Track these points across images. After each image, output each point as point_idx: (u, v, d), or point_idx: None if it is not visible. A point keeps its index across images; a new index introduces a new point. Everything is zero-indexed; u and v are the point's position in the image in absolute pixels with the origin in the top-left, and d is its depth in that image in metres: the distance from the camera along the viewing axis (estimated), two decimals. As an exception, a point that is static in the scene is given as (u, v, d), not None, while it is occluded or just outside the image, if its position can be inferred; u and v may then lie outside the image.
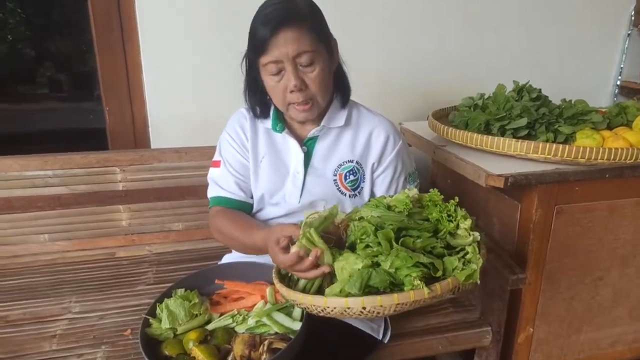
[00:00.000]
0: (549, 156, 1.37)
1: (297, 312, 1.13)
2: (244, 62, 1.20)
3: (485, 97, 1.70)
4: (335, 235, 1.04)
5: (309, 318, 1.07)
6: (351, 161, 1.27)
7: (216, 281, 1.27)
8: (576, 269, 1.52)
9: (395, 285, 0.92)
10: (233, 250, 1.40)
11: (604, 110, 1.62)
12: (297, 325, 1.09)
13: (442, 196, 1.04)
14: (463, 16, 2.08)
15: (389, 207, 1.03)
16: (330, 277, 1.01)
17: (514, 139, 1.42)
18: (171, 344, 1.08)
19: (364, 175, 1.29)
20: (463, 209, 1.03)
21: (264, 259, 1.29)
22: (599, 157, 1.34)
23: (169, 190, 1.75)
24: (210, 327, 1.14)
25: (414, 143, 1.81)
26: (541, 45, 2.22)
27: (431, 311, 1.45)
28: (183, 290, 1.22)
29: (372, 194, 1.32)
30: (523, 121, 1.49)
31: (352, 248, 1.00)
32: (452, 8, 2.05)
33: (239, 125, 1.30)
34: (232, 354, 1.05)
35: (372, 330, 1.24)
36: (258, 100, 1.25)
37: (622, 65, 2.33)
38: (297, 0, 1.11)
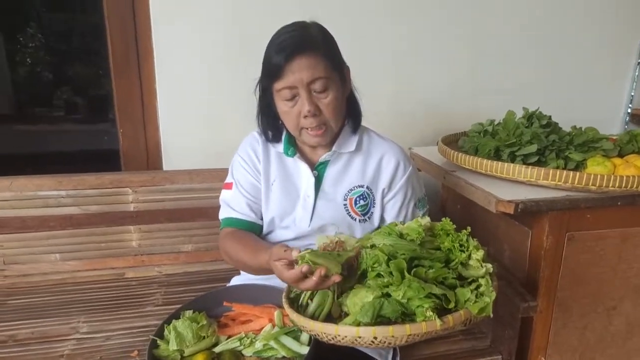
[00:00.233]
0: (559, 183, 1.37)
1: (304, 336, 1.13)
2: (258, 88, 1.23)
3: (495, 123, 1.71)
4: (346, 263, 1.04)
5: (316, 342, 1.06)
6: (361, 186, 1.28)
7: (224, 303, 1.27)
8: (588, 298, 1.50)
9: (406, 316, 0.92)
10: (242, 272, 1.40)
11: (614, 137, 1.62)
12: (304, 350, 1.08)
13: (454, 225, 1.04)
14: (473, 44, 2.11)
15: (401, 235, 1.03)
16: (340, 304, 1.01)
17: (524, 165, 1.42)
18: (178, 366, 1.08)
19: (374, 200, 1.29)
20: (475, 239, 1.03)
21: (273, 281, 1.30)
22: (610, 185, 1.34)
23: (180, 212, 1.76)
24: (217, 349, 1.14)
25: (424, 168, 1.82)
26: (551, 72, 2.24)
27: (440, 338, 1.42)
28: (191, 311, 1.22)
29: (382, 219, 1.32)
30: (533, 147, 1.49)
31: (364, 276, 1.00)
32: (463, 36, 2.08)
33: (251, 148, 1.32)
34: (239, 377, 1.05)
35: (380, 356, 1.22)
36: (270, 124, 1.27)
37: (632, 93, 2.33)
38: (310, 28, 1.15)
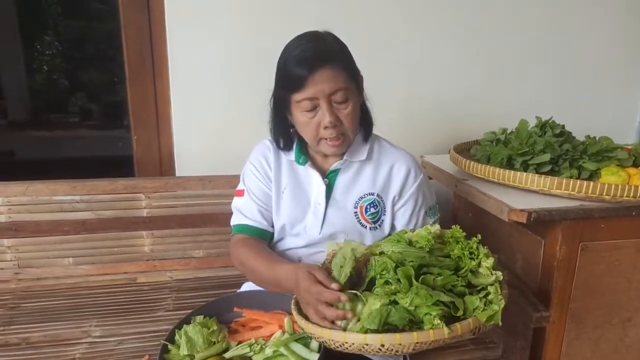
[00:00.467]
0: (573, 192, 1.35)
1: (314, 343, 1.12)
2: (271, 98, 1.24)
3: (508, 132, 1.70)
4: (355, 270, 1.04)
5: (326, 350, 1.06)
6: (372, 194, 1.28)
7: (235, 309, 1.27)
8: (602, 309, 1.48)
9: (414, 323, 0.92)
10: (252, 279, 1.40)
11: (629, 147, 1.60)
12: (314, 357, 1.08)
13: (464, 233, 1.04)
14: (487, 52, 2.11)
15: (410, 243, 1.03)
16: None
17: (537, 174, 1.41)
18: (188, 371, 1.08)
19: (384, 208, 1.29)
20: (485, 247, 1.02)
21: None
22: (625, 195, 1.32)
23: (192, 218, 1.77)
24: (227, 355, 1.14)
25: (436, 176, 1.81)
26: (565, 81, 2.22)
27: (450, 348, 1.41)
28: (202, 317, 1.22)
29: (393, 227, 1.32)
30: (546, 157, 1.48)
31: (372, 283, 1.00)
32: (477, 44, 2.08)
33: (262, 156, 1.33)
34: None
35: (391, 365, 1.22)
36: (283, 134, 1.28)
37: (647, 103, 2.31)
38: (326, 38, 1.16)
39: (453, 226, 1.06)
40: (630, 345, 1.55)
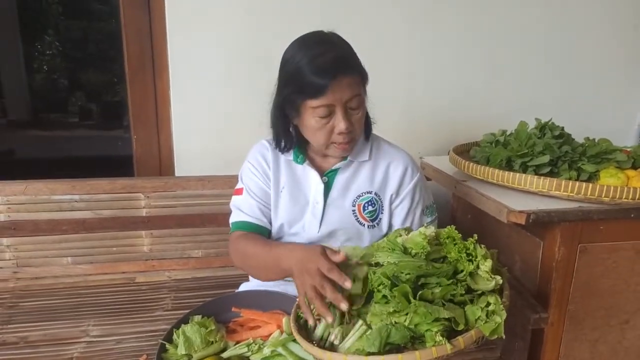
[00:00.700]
0: (572, 194, 1.35)
1: (313, 344, 1.12)
2: (275, 99, 1.22)
3: (507, 133, 1.70)
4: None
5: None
6: (370, 192, 1.29)
7: (233, 309, 1.27)
8: (601, 311, 1.48)
9: (416, 339, 0.90)
10: (251, 279, 1.40)
11: (628, 149, 1.60)
12: (312, 357, 1.07)
13: (460, 235, 1.02)
14: (487, 54, 2.11)
15: (405, 249, 1.01)
16: (342, 332, 0.98)
17: (536, 176, 1.41)
18: (186, 371, 1.08)
19: (382, 206, 1.30)
20: (483, 247, 1.00)
21: (281, 288, 1.30)
22: (624, 197, 1.32)
23: (191, 218, 1.77)
24: (225, 354, 1.14)
25: (435, 177, 1.81)
26: (565, 84, 2.23)
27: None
28: (200, 317, 1.22)
29: (390, 225, 1.32)
30: (545, 158, 1.48)
31: (371, 295, 0.98)
32: (476, 46, 2.09)
33: (260, 155, 1.33)
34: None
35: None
36: (286, 136, 1.27)
37: (646, 105, 2.31)
38: (338, 43, 1.15)
39: (448, 227, 1.04)
40: (629, 347, 1.55)
